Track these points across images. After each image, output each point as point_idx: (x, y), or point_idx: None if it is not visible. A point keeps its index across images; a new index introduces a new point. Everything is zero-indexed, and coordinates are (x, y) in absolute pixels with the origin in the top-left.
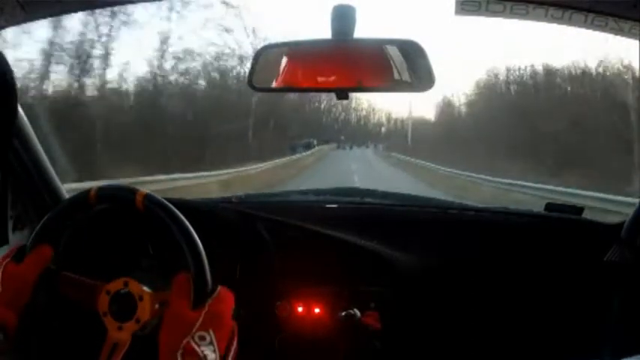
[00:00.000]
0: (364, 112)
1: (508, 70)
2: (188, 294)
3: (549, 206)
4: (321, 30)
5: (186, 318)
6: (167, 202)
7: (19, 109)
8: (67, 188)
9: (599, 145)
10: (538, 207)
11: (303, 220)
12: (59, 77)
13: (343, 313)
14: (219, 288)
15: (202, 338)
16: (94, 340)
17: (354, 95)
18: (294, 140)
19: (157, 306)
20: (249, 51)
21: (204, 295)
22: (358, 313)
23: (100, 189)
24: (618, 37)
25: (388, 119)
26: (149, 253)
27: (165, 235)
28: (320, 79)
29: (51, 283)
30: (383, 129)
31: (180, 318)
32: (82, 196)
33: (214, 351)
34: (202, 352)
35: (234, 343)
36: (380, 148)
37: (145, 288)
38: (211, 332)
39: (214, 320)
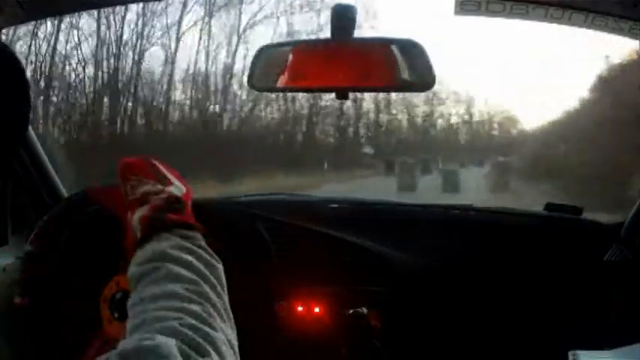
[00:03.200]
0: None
1: None
2: None
3: (549, 206)
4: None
5: None
6: None
7: None
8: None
9: None
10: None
11: (303, 220)
12: None
13: (351, 311)
14: None
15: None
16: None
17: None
18: None
19: None
20: None
21: None
22: (365, 311)
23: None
24: None
25: (469, 114)
26: None
27: None
28: (320, 78)
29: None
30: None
31: None
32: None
33: None
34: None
35: None
36: None
37: None
38: None
39: None
